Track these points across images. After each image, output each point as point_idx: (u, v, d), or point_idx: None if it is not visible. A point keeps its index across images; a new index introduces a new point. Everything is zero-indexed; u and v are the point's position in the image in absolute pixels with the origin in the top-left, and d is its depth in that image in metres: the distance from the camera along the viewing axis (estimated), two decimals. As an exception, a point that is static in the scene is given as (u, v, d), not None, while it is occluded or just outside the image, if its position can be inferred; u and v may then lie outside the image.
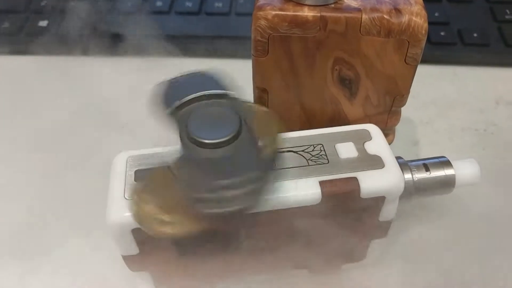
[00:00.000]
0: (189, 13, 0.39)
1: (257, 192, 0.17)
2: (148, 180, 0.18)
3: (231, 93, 0.19)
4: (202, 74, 0.21)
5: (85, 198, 0.28)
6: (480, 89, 0.35)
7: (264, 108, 0.20)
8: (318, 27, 0.19)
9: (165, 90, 0.20)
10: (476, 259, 0.25)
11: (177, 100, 0.20)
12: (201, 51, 0.37)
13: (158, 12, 0.39)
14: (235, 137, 0.18)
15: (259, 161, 0.18)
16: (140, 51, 0.38)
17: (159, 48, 0.38)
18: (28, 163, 0.31)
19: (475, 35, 0.36)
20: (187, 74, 0.21)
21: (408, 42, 0.19)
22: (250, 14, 0.20)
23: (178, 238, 0.17)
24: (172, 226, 0.17)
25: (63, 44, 0.38)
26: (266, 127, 0.19)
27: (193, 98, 0.20)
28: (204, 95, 0.20)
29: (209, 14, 0.39)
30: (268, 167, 0.18)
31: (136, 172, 0.20)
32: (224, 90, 0.20)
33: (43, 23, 0.38)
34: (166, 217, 0.17)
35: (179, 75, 0.21)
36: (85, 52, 0.38)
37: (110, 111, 0.34)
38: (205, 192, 0.17)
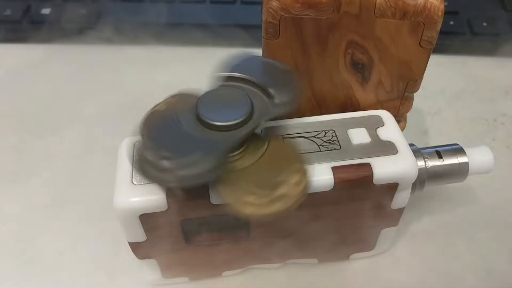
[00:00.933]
0: (196, 2, 0.38)
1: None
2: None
3: (270, 90, 0.19)
4: (268, 62, 0.20)
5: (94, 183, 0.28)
6: (490, 79, 0.35)
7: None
8: (332, 9, 0.19)
9: (236, 58, 0.20)
10: (486, 249, 0.25)
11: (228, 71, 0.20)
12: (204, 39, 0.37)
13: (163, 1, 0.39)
14: (242, 123, 0.18)
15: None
16: (143, 40, 0.37)
17: (153, 37, 0.37)
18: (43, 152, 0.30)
19: (484, 24, 0.36)
20: (263, 57, 0.21)
21: (424, 24, 0.19)
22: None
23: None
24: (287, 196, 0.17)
25: (66, 32, 0.37)
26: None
27: (231, 77, 0.20)
28: (242, 79, 0.19)
29: (213, 2, 0.38)
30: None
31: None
32: (270, 88, 0.19)
33: (46, 11, 0.38)
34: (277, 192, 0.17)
35: (257, 55, 0.21)
36: (88, 40, 0.38)
37: (115, 98, 0.33)
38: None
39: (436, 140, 0.31)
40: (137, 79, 0.35)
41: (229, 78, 0.20)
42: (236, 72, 0.19)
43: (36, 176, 0.29)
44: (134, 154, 0.20)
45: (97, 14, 0.38)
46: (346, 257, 0.25)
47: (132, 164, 0.20)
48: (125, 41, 0.37)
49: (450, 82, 0.34)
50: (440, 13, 0.18)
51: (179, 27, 0.37)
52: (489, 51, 0.36)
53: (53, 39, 0.37)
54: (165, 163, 0.16)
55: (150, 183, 0.18)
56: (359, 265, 0.25)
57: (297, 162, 0.18)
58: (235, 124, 0.18)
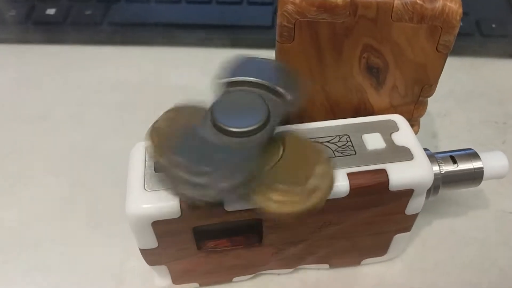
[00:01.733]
0: (200, 2, 0.38)
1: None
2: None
3: (278, 89, 0.19)
4: (267, 62, 0.20)
5: (100, 188, 0.28)
6: (499, 81, 0.34)
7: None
8: (348, 12, 0.19)
9: (235, 63, 0.20)
10: (499, 254, 0.25)
11: (232, 77, 0.19)
12: (206, 40, 0.37)
13: (168, 1, 0.38)
14: (262, 126, 0.17)
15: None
16: (148, 40, 0.37)
17: (159, 37, 0.37)
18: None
19: (493, 26, 0.36)
20: (263, 59, 0.20)
21: (441, 28, 0.19)
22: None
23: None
24: (319, 190, 0.16)
25: (71, 32, 0.37)
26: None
27: (241, 82, 0.19)
28: (255, 83, 0.19)
29: (219, 3, 0.38)
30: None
31: (156, 163, 0.19)
32: (281, 89, 0.19)
33: (51, 11, 0.37)
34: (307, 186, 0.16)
35: (257, 56, 0.20)
36: (93, 41, 0.37)
37: (121, 100, 0.33)
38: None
39: (445, 143, 0.30)
40: (141, 80, 0.35)
41: (234, 83, 0.19)
42: (239, 76, 0.19)
43: (41, 180, 0.28)
44: (146, 160, 0.20)
45: (102, 15, 0.37)
46: (358, 263, 0.24)
47: (145, 173, 0.19)
48: (130, 42, 0.37)
49: (459, 84, 0.34)
50: (458, 17, 0.18)
51: (184, 28, 0.37)
52: (498, 52, 0.36)
53: (58, 39, 0.37)
54: (205, 179, 0.16)
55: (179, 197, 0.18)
56: (370, 270, 0.24)
57: (318, 154, 0.18)
58: (257, 129, 0.17)
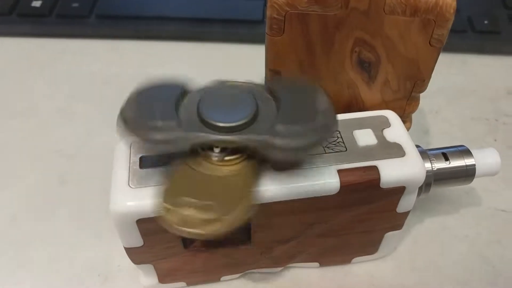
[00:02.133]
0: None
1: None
2: (173, 183, 0.17)
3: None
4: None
5: (87, 185, 0.27)
6: (491, 78, 0.34)
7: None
8: (340, 5, 0.18)
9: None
10: (490, 251, 0.24)
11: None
12: (196, 34, 0.36)
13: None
14: (253, 119, 0.17)
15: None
16: (139, 34, 0.36)
17: (150, 30, 0.36)
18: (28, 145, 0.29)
19: (485, 22, 0.35)
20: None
21: (435, 22, 0.18)
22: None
23: (227, 233, 0.16)
24: (220, 221, 0.16)
25: (57, 25, 0.36)
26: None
27: None
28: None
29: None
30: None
31: (141, 158, 0.19)
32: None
33: (36, 3, 0.37)
34: (210, 215, 0.16)
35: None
36: (80, 34, 0.36)
37: (108, 94, 0.32)
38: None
39: (437, 140, 0.30)
40: (132, 74, 0.34)
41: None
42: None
43: (28, 177, 0.28)
44: (131, 156, 0.19)
45: (89, 7, 0.36)
46: (348, 261, 0.24)
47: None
48: (118, 35, 0.36)
49: (450, 81, 0.34)
50: (452, 11, 0.18)
51: (174, 22, 0.36)
52: (490, 49, 0.35)
53: (44, 32, 0.36)
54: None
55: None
56: (361, 268, 0.24)
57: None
58: (237, 126, 0.17)
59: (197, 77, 0.19)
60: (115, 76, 0.34)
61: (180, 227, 0.15)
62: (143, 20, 0.36)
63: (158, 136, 0.16)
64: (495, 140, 0.30)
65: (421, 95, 0.22)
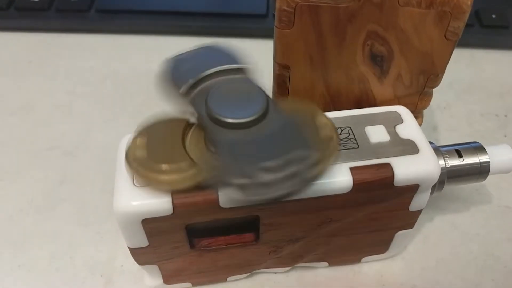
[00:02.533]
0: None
1: (303, 174, 0.15)
2: (155, 123, 0.17)
3: (248, 66, 0.17)
4: (211, 48, 0.18)
5: (88, 182, 0.26)
6: (499, 73, 0.34)
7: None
8: (352, -4, 0.17)
9: (173, 68, 0.18)
10: (502, 251, 0.24)
11: (191, 78, 0.17)
12: (198, 28, 0.35)
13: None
14: (264, 114, 0.16)
15: (301, 139, 0.16)
16: (137, 29, 0.36)
17: (149, 26, 0.35)
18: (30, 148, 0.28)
19: (493, 16, 0.35)
20: (194, 50, 0.18)
21: (451, 14, 0.18)
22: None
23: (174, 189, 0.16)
24: (169, 175, 0.16)
25: (56, 19, 0.35)
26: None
27: (209, 75, 0.18)
28: (221, 71, 0.18)
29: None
30: (315, 144, 0.16)
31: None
32: (240, 64, 0.17)
33: (35, -3, 0.36)
34: (164, 166, 0.16)
35: (185, 51, 0.18)
36: (79, 29, 0.36)
37: (108, 89, 0.32)
38: (244, 177, 0.15)
39: (446, 136, 0.29)
40: (132, 70, 0.33)
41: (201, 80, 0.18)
42: (201, 72, 0.18)
43: (27, 175, 0.27)
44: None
45: (89, 1, 0.36)
46: (358, 260, 0.23)
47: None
48: (119, 30, 0.36)
49: (459, 76, 0.33)
50: (469, 2, 0.17)
51: (175, 16, 0.35)
52: (498, 44, 0.35)
53: (46, 27, 0.36)
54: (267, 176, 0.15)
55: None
56: (370, 268, 0.23)
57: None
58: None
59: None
60: (115, 71, 0.33)
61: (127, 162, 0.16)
62: (143, 14, 0.35)
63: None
64: (505, 136, 0.30)
65: (429, 90, 0.22)
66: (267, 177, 0.15)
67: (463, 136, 0.30)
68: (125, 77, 0.33)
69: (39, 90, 0.32)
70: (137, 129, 0.17)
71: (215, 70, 0.17)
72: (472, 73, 0.34)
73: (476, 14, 0.35)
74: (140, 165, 0.16)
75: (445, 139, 0.29)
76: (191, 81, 0.17)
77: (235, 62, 0.18)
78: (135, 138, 0.17)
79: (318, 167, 0.16)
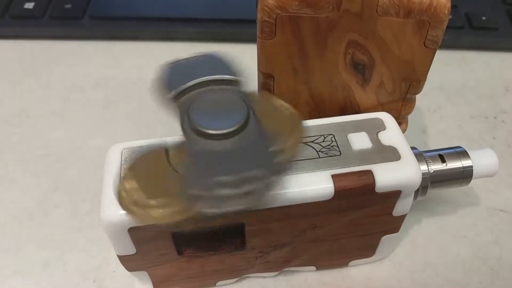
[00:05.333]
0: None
1: (258, 192, 0.15)
2: (139, 158, 0.17)
3: (241, 79, 0.17)
4: (210, 57, 0.19)
5: (81, 189, 0.27)
6: (489, 75, 0.34)
7: (288, 107, 0.18)
8: (331, 7, 0.18)
9: (168, 73, 0.18)
10: (489, 252, 0.24)
11: (181, 85, 0.18)
12: (191, 34, 0.35)
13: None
14: (242, 128, 0.16)
15: (266, 158, 0.16)
16: (131, 35, 0.36)
17: (144, 31, 0.36)
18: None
19: (483, 18, 0.35)
20: (193, 56, 0.19)
21: (429, 23, 0.18)
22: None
23: (162, 225, 0.16)
24: (157, 210, 0.15)
25: (50, 27, 0.36)
26: (286, 128, 0.17)
27: (198, 83, 0.18)
28: (211, 80, 0.18)
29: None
30: (277, 167, 0.16)
31: (132, 165, 0.19)
32: (233, 75, 0.18)
33: (29, 5, 0.36)
34: (152, 201, 0.15)
35: (184, 57, 0.19)
36: (73, 36, 0.36)
37: (102, 96, 0.32)
38: (201, 189, 0.15)
39: (435, 138, 0.30)
40: (126, 76, 0.34)
41: (188, 89, 0.18)
42: (188, 82, 0.18)
43: (20, 181, 0.27)
44: (123, 162, 0.19)
45: (83, 8, 0.36)
46: (346, 264, 0.24)
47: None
48: (112, 37, 0.36)
49: (448, 78, 0.33)
50: (446, 12, 0.17)
51: (169, 22, 0.36)
52: (488, 45, 0.35)
53: (40, 34, 0.36)
54: (222, 191, 0.15)
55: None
56: (359, 271, 0.24)
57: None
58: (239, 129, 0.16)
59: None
60: (109, 78, 0.33)
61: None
62: (137, 21, 0.36)
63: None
64: (494, 138, 0.30)
65: (419, 93, 0.22)
66: (222, 191, 0.15)
67: (452, 138, 0.30)
68: (118, 83, 0.33)
69: (33, 97, 0.32)
70: (124, 171, 0.17)
71: (205, 80, 0.18)
72: (462, 75, 0.34)
73: (466, 16, 0.35)
74: (135, 205, 0.16)
75: (434, 142, 0.29)
76: (179, 88, 0.18)
77: (229, 73, 0.18)
78: (122, 180, 0.17)
79: (273, 187, 0.16)
